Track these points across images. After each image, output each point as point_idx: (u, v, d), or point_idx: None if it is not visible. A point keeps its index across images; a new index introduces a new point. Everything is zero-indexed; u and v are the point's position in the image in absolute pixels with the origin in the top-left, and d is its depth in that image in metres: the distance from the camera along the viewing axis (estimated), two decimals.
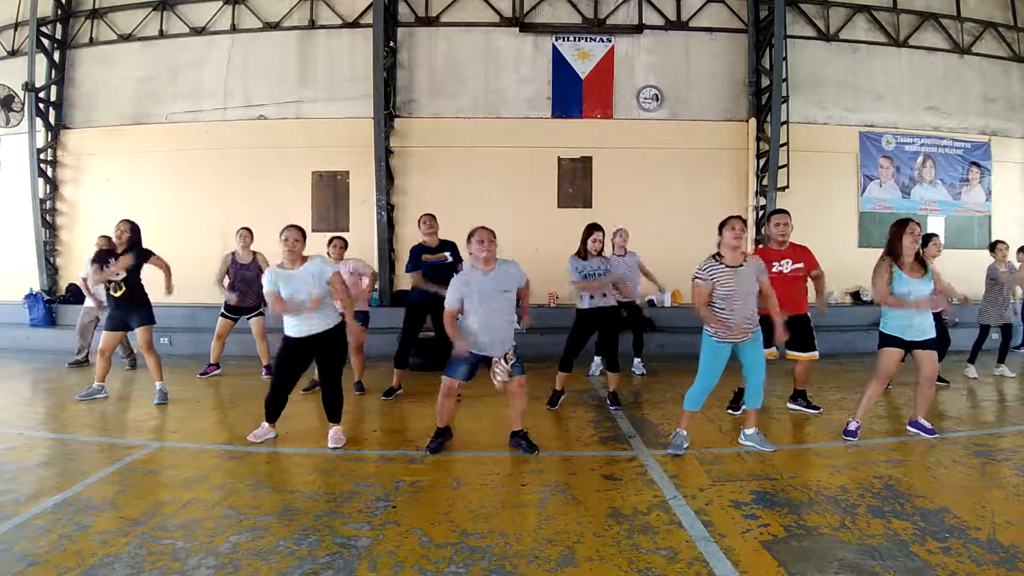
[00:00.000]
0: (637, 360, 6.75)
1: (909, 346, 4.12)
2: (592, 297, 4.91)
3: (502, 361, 3.83)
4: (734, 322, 3.76)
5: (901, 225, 4.05)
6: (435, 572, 2.40)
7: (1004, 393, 5.83)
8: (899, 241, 4.00)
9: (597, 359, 6.43)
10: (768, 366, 4.08)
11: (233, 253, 6.28)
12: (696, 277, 3.79)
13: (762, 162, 9.44)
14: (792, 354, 4.81)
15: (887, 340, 4.15)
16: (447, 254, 5.36)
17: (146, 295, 5.42)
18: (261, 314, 6.35)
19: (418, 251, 5.41)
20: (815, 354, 4.80)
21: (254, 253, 6.33)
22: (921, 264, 4.09)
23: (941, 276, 4.04)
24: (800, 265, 4.71)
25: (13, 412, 5.01)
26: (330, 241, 5.71)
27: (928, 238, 5.75)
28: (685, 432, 3.96)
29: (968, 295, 5.61)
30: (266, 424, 4.18)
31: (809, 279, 4.84)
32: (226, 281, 6.26)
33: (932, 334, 4.11)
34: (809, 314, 4.81)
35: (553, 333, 7.77)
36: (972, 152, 10.07)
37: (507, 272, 3.86)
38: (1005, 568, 2.39)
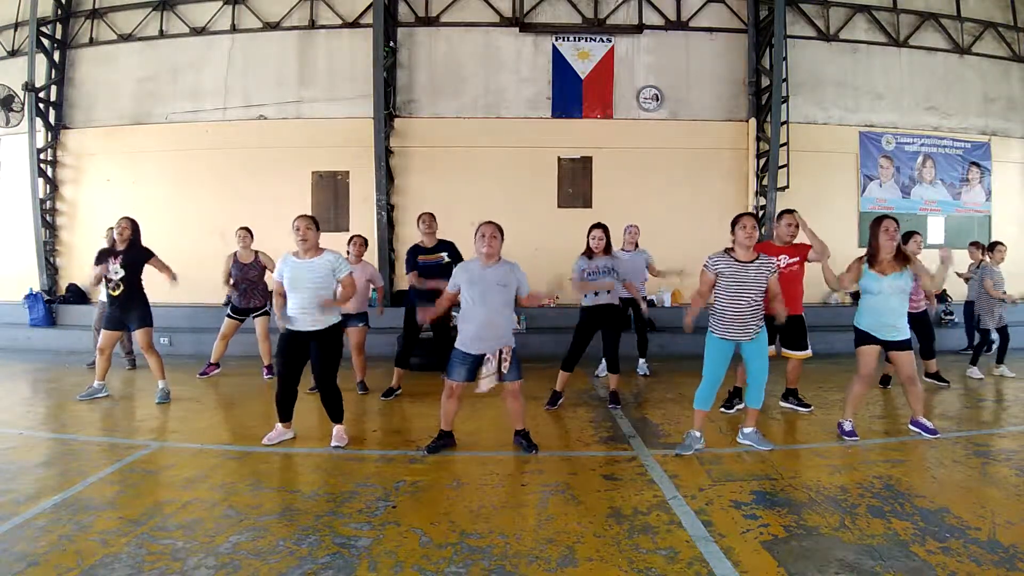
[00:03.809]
0: (642, 361, 6.71)
1: (885, 345, 4.15)
2: (596, 294, 4.95)
3: (494, 360, 3.76)
4: (733, 316, 3.78)
5: (876, 224, 4.13)
6: (435, 572, 2.40)
7: (1004, 393, 5.82)
8: (875, 239, 4.09)
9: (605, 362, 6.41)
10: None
11: (235, 254, 6.26)
12: (705, 266, 3.87)
13: (762, 162, 9.45)
14: (786, 352, 4.91)
15: (862, 338, 4.21)
16: (444, 254, 5.33)
17: (145, 296, 5.40)
18: (266, 313, 6.34)
19: (414, 251, 5.42)
20: (808, 352, 4.92)
21: (255, 252, 6.30)
22: (901, 261, 4.08)
23: (925, 269, 4.07)
24: (796, 259, 4.77)
25: (13, 412, 5.01)
26: (350, 240, 5.70)
27: (908, 235, 5.75)
28: (698, 433, 3.93)
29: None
30: (280, 426, 4.14)
31: (809, 262, 4.85)
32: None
33: (906, 335, 4.13)
34: (803, 315, 4.90)
35: (554, 333, 7.81)
36: (972, 152, 10.07)
37: (507, 270, 3.81)
38: (1005, 568, 2.39)
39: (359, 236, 5.75)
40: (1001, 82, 10.14)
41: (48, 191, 9.73)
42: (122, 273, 5.21)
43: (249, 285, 6.23)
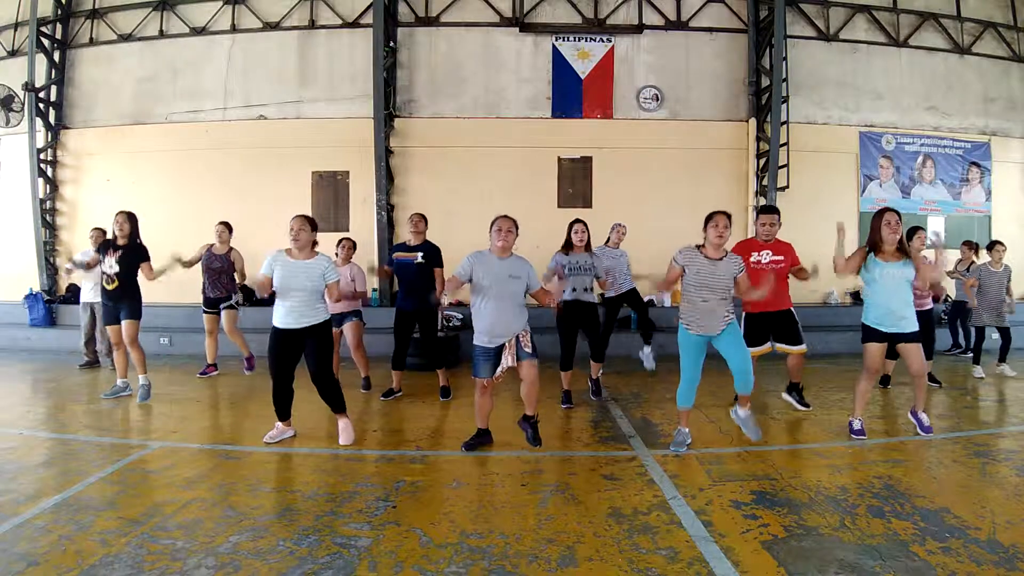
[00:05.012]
0: (647, 349, 6.33)
1: (892, 339, 4.13)
2: (574, 290, 4.99)
3: (511, 349, 3.84)
4: (701, 310, 3.80)
5: (877, 216, 4.15)
6: (435, 572, 2.40)
7: (1004, 393, 5.82)
8: (876, 233, 4.11)
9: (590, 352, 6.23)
10: (761, 362, 4.12)
11: (211, 245, 6.39)
12: (673, 258, 3.89)
13: (762, 162, 9.45)
14: (781, 347, 4.91)
15: (868, 334, 4.20)
16: (419, 254, 5.35)
17: (138, 290, 5.41)
18: (232, 307, 6.42)
19: (395, 248, 5.60)
20: (803, 347, 4.90)
21: (230, 248, 6.42)
22: (902, 252, 4.12)
23: (928, 260, 4.15)
24: (780, 258, 4.78)
25: (13, 412, 5.01)
26: (339, 242, 5.79)
27: (913, 231, 5.72)
28: (687, 429, 3.99)
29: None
30: (280, 424, 4.17)
31: (792, 275, 4.89)
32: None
33: (914, 326, 4.12)
34: (792, 309, 4.91)
35: (555, 333, 7.77)
36: (972, 152, 10.07)
37: (519, 263, 3.91)
38: (1005, 568, 2.39)
39: (348, 239, 5.84)
40: (1001, 82, 10.13)
41: (48, 191, 9.73)
42: (117, 268, 5.22)
43: (212, 275, 6.35)
